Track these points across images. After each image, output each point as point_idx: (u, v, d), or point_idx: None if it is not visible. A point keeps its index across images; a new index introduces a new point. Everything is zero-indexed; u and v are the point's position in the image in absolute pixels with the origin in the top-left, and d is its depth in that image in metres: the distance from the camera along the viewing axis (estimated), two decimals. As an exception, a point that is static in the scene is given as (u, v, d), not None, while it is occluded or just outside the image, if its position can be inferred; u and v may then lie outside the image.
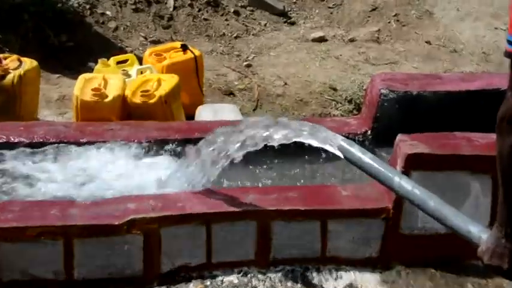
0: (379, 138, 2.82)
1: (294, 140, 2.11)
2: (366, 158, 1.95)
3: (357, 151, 1.98)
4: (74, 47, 4.65)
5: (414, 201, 1.77)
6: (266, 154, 2.40)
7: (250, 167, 2.64)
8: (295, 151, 2.50)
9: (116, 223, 2.14)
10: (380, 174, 1.91)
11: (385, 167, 1.91)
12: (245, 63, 4.95)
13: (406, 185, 1.82)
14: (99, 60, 3.87)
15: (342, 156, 2.02)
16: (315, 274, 2.29)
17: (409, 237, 2.33)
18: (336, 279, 2.28)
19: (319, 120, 3.30)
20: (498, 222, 1.36)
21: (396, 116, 2.87)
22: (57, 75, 4.34)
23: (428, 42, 5.45)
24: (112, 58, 3.93)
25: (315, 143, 2.08)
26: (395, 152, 2.28)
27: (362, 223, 2.30)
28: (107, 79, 3.39)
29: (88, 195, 2.42)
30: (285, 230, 2.26)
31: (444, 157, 2.22)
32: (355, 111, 4.25)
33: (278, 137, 2.08)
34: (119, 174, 2.64)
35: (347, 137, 2.78)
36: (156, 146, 2.79)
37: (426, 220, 2.28)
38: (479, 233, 1.53)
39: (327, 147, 2.05)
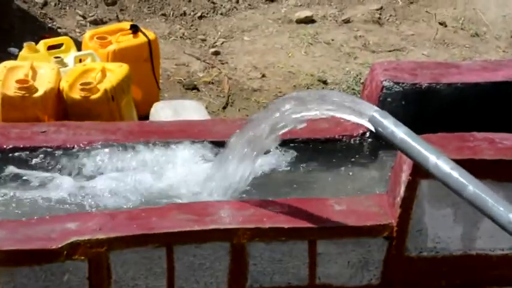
0: (381, 141, 2.96)
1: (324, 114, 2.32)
2: (399, 132, 2.14)
3: (390, 124, 2.17)
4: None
5: (451, 185, 1.99)
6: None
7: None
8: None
9: (53, 247, 2.22)
10: (413, 152, 2.10)
11: (421, 143, 2.11)
12: (212, 49, 5.07)
13: (444, 165, 2.01)
14: (25, 45, 3.95)
15: (373, 129, 2.22)
16: (301, 306, 2.41)
17: (416, 260, 2.46)
18: (327, 311, 2.41)
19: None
20: None
21: (402, 113, 2.98)
22: (-31, 63, 4.39)
23: (442, 24, 5.63)
24: (41, 42, 4.02)
25: (342, 116, 2.29)
26: (399, 156, 2.42)
27: (359, 243, 2.42)
28: (36, 68, 3.48)
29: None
30: (264, 252, 2.38)
31: (460, 162, 2.35)
32: (351, 110, 4.39)
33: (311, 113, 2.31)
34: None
35: (340, 140, 3.04)
36: (101, 151, 2.90)
37: (438, 239, 2.45)
38: None
39: (355, 118, 2.25)
